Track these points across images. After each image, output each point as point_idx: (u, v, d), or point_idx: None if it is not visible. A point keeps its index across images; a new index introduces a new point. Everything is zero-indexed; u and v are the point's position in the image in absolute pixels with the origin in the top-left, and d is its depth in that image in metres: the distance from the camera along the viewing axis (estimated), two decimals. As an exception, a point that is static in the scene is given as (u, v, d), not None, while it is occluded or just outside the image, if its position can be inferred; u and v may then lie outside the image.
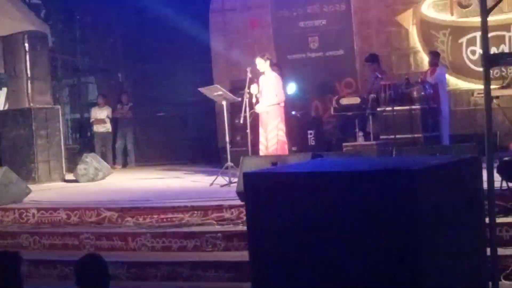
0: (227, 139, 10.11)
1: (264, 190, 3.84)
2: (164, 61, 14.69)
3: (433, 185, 3.63)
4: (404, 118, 10.48)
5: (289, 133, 10.55)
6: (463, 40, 11.87)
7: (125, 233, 7.77)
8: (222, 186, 9.47)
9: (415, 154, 7.89)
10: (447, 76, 11.62)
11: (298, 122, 11.80)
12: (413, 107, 10.48)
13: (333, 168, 4.15)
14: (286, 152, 9.93)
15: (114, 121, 14.51)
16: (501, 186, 7.05)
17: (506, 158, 7.33)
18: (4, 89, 12.98)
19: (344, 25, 12.73)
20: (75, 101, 16.71)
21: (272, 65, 10.21)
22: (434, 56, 11.38)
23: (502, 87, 10.76)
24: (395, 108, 10.37)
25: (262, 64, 9.91)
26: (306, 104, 12.47)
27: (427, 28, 12.17)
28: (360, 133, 10.88)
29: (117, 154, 14.58)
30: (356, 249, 3.53)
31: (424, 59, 11.99)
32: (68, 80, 16.20)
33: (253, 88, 9.86)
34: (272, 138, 9.80)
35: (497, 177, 6.43)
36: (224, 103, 10.08)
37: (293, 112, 11.61)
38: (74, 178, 11.55)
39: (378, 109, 10.65)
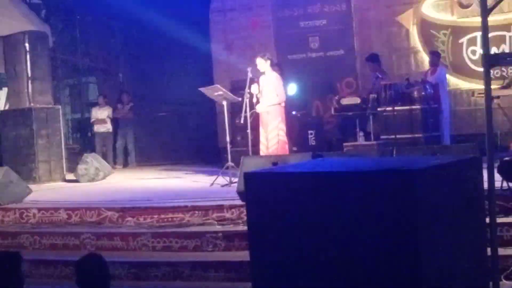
0: (228, 139, 10.11)
1: (265, 190, 3.84)
2: (165, 61, 14.70)
3: (433, 185, 3.63)
4: (404, 118, 10.48)
5: (290, 133, 10.56)
6: (464, 40, 11.87)
7: (125, 233, 7.78)
8: (222, 186, 9.47)
9: (415, 154, 7.88)
10: (448, 76, 11.63)
11: (299, 122, 11.80)
12: (414, 107, 10.48)
13: (333, 168, 4.15)
14: (287, 152, 9.93)
15: (114, 121, 14.51)
16: (501, 186, 7.06)
17: (506, 158, 7.33)
18: (5, 89, 12.99)
19: (344, 25, 12.73)
20: (75, 101, 16.73)
21: (272, 65, 10.21)
22: (435, 56, 11.38)
23: (503, 87, 10.75)
24: (396, 108, 10.37)
25: (262, 64, 9.91)
26: (306, 104, 12.47)
27: (428, 28, 12.17)
28: (361, 133, 10.88)
29: (117, 154, 14.58)
30: (356, 249, 3.53)
31: (425, 59, 11.99)
32: (69, 80, 16.21)
33: (254, 88, 9.87)
34: (273, 138, 9.80)
35: (497, 177, 6.43)
36: (224, 103, 10.08)
37: (294, 112, 11.61)
38: (74, 178, 11.55)
39: (379, 109, 10.65)
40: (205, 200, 8.25)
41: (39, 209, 8.65)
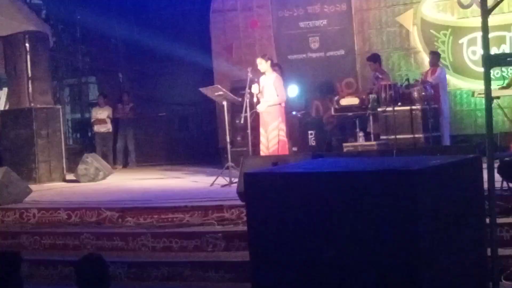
0: (228, 139, 10.11)
1: (265, 190, 3.84)
2: (165, 61, 14.70)
3: (433, 185, 3.63)
4: (404, 118, 10.47)
5: (290, 133, 10.56)
6: (464, 40, 11.86)
7: (125, 233, 7.77)
8: (222, 186, 9.47)
9: (415, 155, 7.89)
10: (448, 76, 11.62)
11: (299, 122, 11.79)
12: (414, 107, 10.48)
13: (333, 168, 4.15)
14: (287, 152, 9.94)
15: (115, 121, 14.51)
16: (501, 187, 7.05)
17: (506, 159, 7.32)
18: (5, 89, 12.98)
19: (344, 25, 12.72)
20: (75, 101, 16.76)
21: (273, 65, 10.21)
22: (435, 56, 11.38)
23: (503, 88, 10.74)
24: (396, 108, 10.37)
25: (263, 64, 9.92)
26: (306, 105, 12.45)
27: (428, 28, 12.15)
28: (361, 133, 10.88)
29: (117, 154, 14.58)
30: (356, 249, 3.53)
31: (425, 59, 11.98)
32: (69, 80, 16.23)
33: (254, 88, 9.87)
34: (273, 138, 9.81)
35: (497, 177, 6.43)
36: (224, 103, 10.08)
37: (294, 112, 11.60)
38: (74, 178, 11.55)
39: (379, 109, 10.65)
40: (205, 200, 8.25)
41: (39, 209, 8.65)
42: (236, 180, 8.66)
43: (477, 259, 4.08)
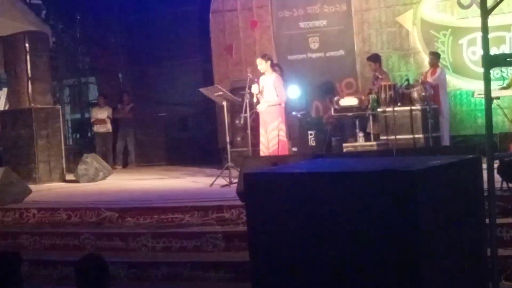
0: (228, 139, 10.12)
1: (265, 191, 3.84)
2: (165, 61, 14.69)
3: (433, 186, 3.63)
4: (404, 118, 10.48)
5: (290, 133, 10.56)
6: (464, 40, 11.86)
7: (125, 233, 7.78)
8: (222, 186, 9.48)
9: (415, 155, 7.89)
10: (448, 76, 11.62)
11: (299, 122, 11.79)
12: (414, 107, 10.48)
13: (333, 168, 4.15)
14: (287, 152, 9.94)
15: (114, 121, 14.51)
16: (501, 187, 7.06)
17: (506, 159, 7.32)
18: (5, 89, 12.99)
19: (344, 25, 12.71)
20: (75, 101, 16.75)
21: (272, 65, 10.21)
22: (435, 56, 11.38)
23: (503, 88, 10.75)
24: (396, 108, 10.37)
25: (263, 64, 9.92)
26: (306, 105, 12.45)
27: (428, 28, 12.15)
28: (361, 134, 10.88)
29: (117, 154, 14.58)
30: (356, 249, 3.53)
31: (425, 59, 11.98)
32: (69, 80, 16.23)
33: (254, 88, 9.87)
34: (273, 138, 9.81)
35: (497, 177, 6.44)
36: (224, 103, 10.08)
37: (294, 113, 11.60)
38: (74, 178, 11.55)
39: (379, 109, 10.65)
40: (205, 200, 8.26)
41: (39, 209, 8.66)
42: (236, 180, 8.66)
43: (477, 259, 4.08)
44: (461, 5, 11.82)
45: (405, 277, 3.42)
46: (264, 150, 9.87)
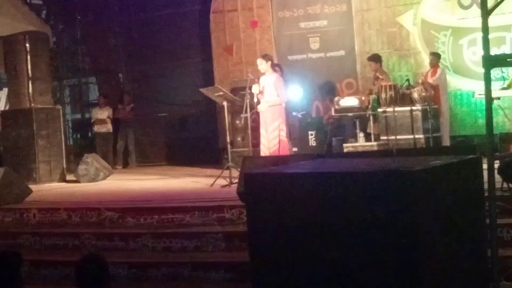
0: (228, 139, 10.12)
1: (265, 191, 3.84)
2: (165, 61, 14.69)
3: (433, 186, 3.63)
4: (404, 119, 10.48)
5: (290, 134, 10.55)
6: (464, 41, 11.86)
7: (125, 234, 7.78)
8: (223, 186, 9.48)
9: (415, 155, 7.88)
10: (448, 77, 11.61)
11: (299, 122, 11.79)
12: (414, 108, 10.49)
13: (333, 168, 4.15)
14: (288, 152, 9.94)
15: (115, 121, 14.50)
16: (501, 187, 7.05)
17: (506, 159, 7.32)
18: (5, 89, 12.99)
19: (345, 25, 12.71)
20: (76, 102, 16.77)
21: (273, 65, 10.21)
22: (435, 57, 11.37)
23: (503, 88, 10.75)
24: (396, 109, 10.38)
25: (263, 64, 9.92)
26: (306, 105, 12.45)
27: (428, 29, 12.14)
28: (361, 134, 10.89)
29: (118, 154, 14.58)
30: (356, 249, 3.53)
31: (425, 60, 11.97)
32: (69, 80, 16.24)
33: (254, 88, 9.87)
34: (274, 138, 9.81)
35: (497, 178, 6.43)
36: (225, 103, 10.08)
37: (294, 113, 11.61)
38: (74, 178, 11.55)
39: (379, 110, 10.65)
40: (205, 200, 8.26)
41: (39, 210, 8.65)
42: (236, 180, 8.66)
43: (477, 259, 4.08)
44: (461, 6, 11.82)
45: (405, 277, 3.42)
46: (264, 151, 9.87)
